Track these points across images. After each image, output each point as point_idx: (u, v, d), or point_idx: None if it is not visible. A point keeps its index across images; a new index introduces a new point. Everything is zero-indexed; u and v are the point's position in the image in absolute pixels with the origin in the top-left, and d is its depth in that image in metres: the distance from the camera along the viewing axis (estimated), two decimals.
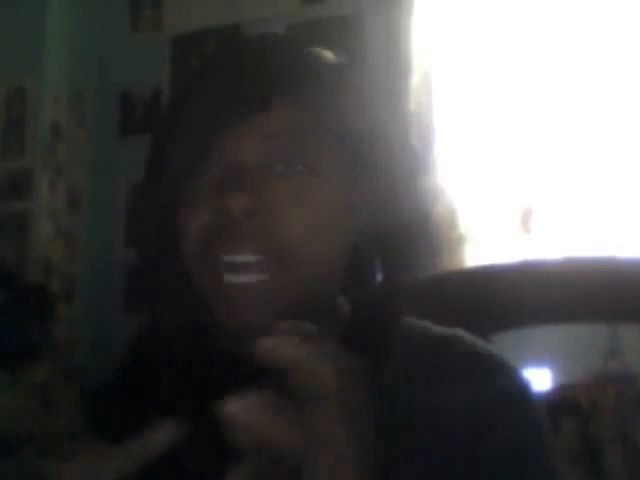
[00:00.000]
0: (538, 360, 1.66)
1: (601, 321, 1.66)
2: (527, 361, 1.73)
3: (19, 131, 2.36)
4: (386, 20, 2.16)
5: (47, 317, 2.12)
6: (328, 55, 0.77)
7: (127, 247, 2.35)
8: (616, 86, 1.96)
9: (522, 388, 0.75)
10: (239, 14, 2.31)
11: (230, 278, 0.70)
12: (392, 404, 0.71)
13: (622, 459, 1.60)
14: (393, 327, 0.75)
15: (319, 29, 2.23)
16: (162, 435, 0.63)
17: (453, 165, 2.04)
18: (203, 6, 2.37)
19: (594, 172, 1.94)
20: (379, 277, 0.76)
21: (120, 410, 0.75)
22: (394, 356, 0.73)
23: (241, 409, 0.60)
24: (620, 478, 1.59)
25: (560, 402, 1.64)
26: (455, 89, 2.10)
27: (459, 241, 1.99)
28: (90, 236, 2.38)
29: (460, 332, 0.77)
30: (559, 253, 1.84)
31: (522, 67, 2.05)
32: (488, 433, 0.71)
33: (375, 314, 0.75)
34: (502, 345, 1.70)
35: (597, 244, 1.88)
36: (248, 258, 0.70)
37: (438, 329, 0.78)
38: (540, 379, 1.69)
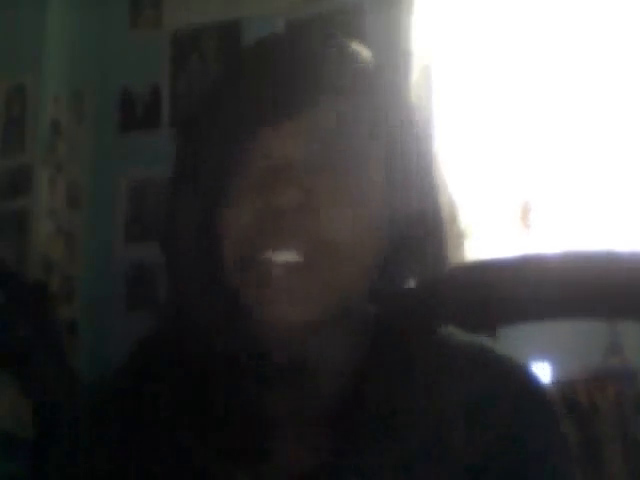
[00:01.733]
0: (537, 356, 1.64)
1: (601, 317, 1.64)
2: (526, 357, 1.71)
3: (19, 130, 2.36)
4: (386, 16, 2.15)
5: (47, 317, 2.12)
6: (366, 53, 0.78)
7: (127, 245, 2.35)
8: (616, 82, 1.95)
9: (545, 399, 0.78)
10: (239, 11, 2.31)
11: (271, 278, 0.70)
12: (410, 407, 0.72)
13: (622, 458, 1.58)
14: (422, 332, 0.77)
15: (319, 25, 2.22)
16: None
17: (453, 160, 2.03)
18: (203, 4, 2.37)
19: (593, 167, 1.93)
20: (406, 278, 0.77)
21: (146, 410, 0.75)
22: (422, 362, 0.75)
23: None
24: (620, 477, 1.57)
25: (560, 401, 1.62)
26: (455, 85, 2.09)
27: (458, 237, 1.97)
28: (90, 235, 2.38)
29: (489, 343, 0.79)
30: (558, 248, 1.83)
31: (522, 63, 2.04)
32: (516, 445, 0.73)
33: (405, 319, 0.76)
34: (501, 341, 1.69)
35: (596, 239, 1.87)
36: (292, 256, 0.70)
37: (467, 338, 0.79)
38: (539, 375, 1.66)
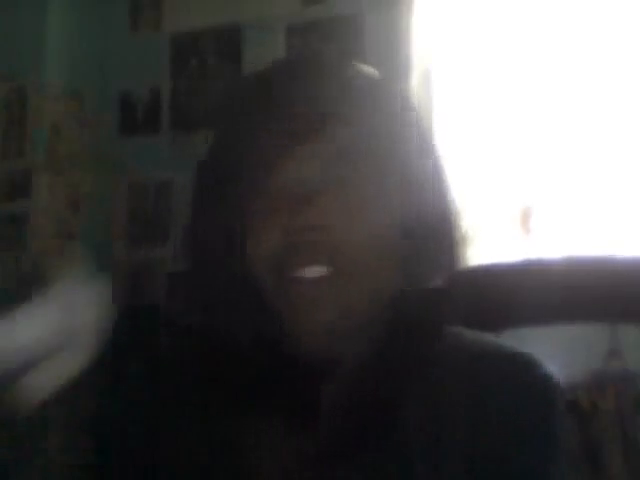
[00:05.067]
0: None
1: (601, 321, 1.66)
2: None
3: (19, 131, 2.36)
4: (386, 20, 2.16)
5: None
6: (372, 72, 0.83)
7: (127, 247, 2.36)
8: (616, 86, 1.96)
9: (558, 396, 0.82)
10: (239, 14, 2.31)
11: (301, 291, 0.75)
12: (432, 412, 0.76)
13: (622, 459, 1.60)
14: (436, 333, 0.80)
15: (319, 29, 2.23)
16: None
17: (453, 165, 2.04)
18: (203, 7, 2.37)
19: (594, 172, 1.94)
20: (424, 280, 0.81)
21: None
22: (435, 363, 0.78)
23: None
24: (620, 477, 1.59)
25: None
26: (455, 89, 2.10)
27: (462, 241, 1.98)
28: (90, 237, 2.38)
29: (501, 341, 0.83)
30: (559, 253, 1.84)
31: (522, 67, 2.05)
32: (527, 440, 0.76)
33: (420, 320, 0.80)
34: None
35: (597, 244, 1.88)
36: (318, 271, 0.75)
37: (478, 336, 0.82)
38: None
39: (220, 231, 0.79)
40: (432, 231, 0.80)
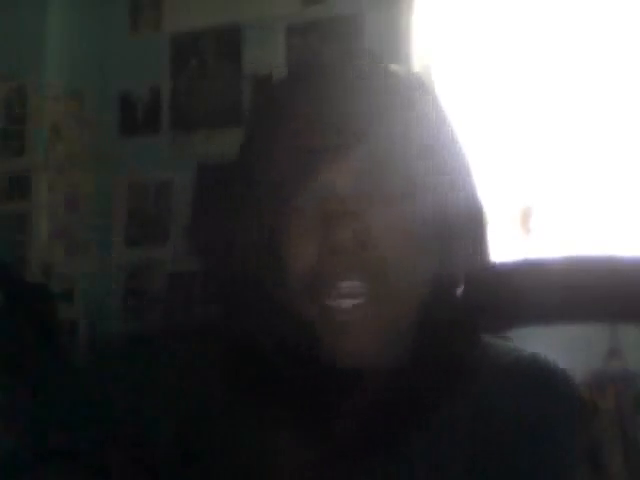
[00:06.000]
0: None
1: (601, 321, 1.66)
2: None
3: (19, 131, 2.36)
4: (386, 20, 2.16)
5: (47, 317, 2.13)
6: (408, 79, 0.80)
7: (127, 247, 2.36)
8: (617, 86, 1.96)
9: (579, 404, 0.80)
10: (239, 14, 2.31)
11: (338, 310, 0.73)
12: (462, 422, 0.75)
13: (622, 459, 1.60)
14: (469, 344, 0.79)
15: (319, 29, 2.23)
16: None
17: None
18: (203, 6, 2.37)
19: (594, 172, 1.95)
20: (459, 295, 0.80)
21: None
22: (467, 373, 0.77)
23: None
24: (620, 478, 1.59)
25: None
26: (455, 88, 2.10)
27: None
28: (90, 236, 2.38)
29: (539, 357, 0.81)
30: (559, 252, 1.84)
31: (522, 66, 2.05)
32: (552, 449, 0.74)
33: (453, 331, 0.78)
34: None
35: (597, 243, 1.89)
36: (356, 289, 0.73)
37: (516, 351, 0.80)
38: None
39: (252, 247, 0.77)
40: (463, 232, 0.79)
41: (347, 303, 0.73)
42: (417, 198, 0.76)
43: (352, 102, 0.75)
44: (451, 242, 0.78)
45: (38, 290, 2.17)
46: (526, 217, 1.96)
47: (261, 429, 0.77)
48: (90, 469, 0.79)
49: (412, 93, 0.79)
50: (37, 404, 0.92)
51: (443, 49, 2.14)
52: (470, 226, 0.79)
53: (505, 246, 1.96)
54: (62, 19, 2.40)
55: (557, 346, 1.73)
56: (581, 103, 1.99)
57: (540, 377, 0.78)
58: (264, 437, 0.77)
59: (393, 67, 0.80)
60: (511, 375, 0.77)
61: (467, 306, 0.80)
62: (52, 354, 2.03)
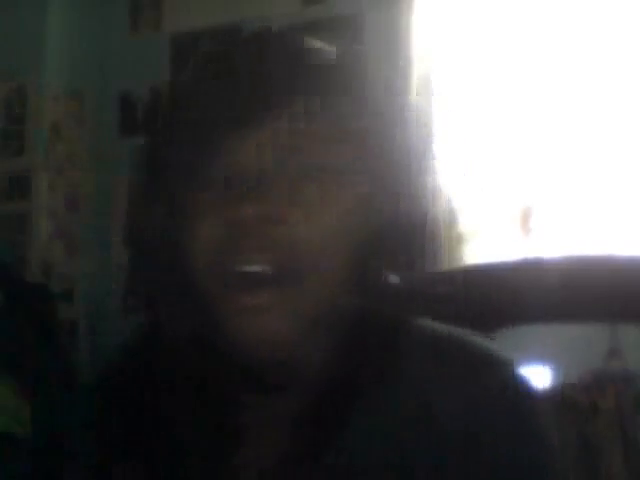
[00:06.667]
0: (538, 359, 1.65)
1: (601, 321, 1.66)
2: (527, 360, 1.72)
3: (19, 131, 2.36)
4: (386, 20, 2.16)
5: (47, 317, 2.13)
6: (332, 52, 0.75)
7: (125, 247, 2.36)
8: (616, 86, 1.96)
9: (525, 396, 0.74)
10: (239, 14, 2.30)
11: (244, 292, 0.68)
12: (393, 404, 0.71)
13: (622, 459, 1.60)
14: (397, 328, 0.75)
15: (319, 29, 2.22)
16: None
17: (453, 165, 2.04)
18: (203, 6, 2.37)
19: (594, 171, 1.94)
20: (383, 277, 0.75)
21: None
22: (397, 357, 0.73)
23: None
24: (620, 478, 1.59)
25: (560, 402, 1.64)
26: (455, 89, 2.10)
27: (458, 240, 1.99)
28: (90, 236, 2.38)
29: (465, 334, 0.77)
30: (559, 252, 1.84)
31: (522, 67, 2.05)
32: (489, 440, 0.70)
33: (381, 315, 0.74)
34: (501, 344, 1.70)
35: (597, 243, 1.88)
36: (263, 269, 0.68)
37: (444, 330, 0.76)
38: (540, 378, 1.68)
39: (160, 222, 0.72)
40: (388, 218, 0.73)
41: (253, 287, 0.68)
42: (344, 182, 0.71)
43: (260, 79, 0.70)
44: (376, 227, 0.73)
45: (38, 290, 2.16)
46: (526, 217, 1.96)
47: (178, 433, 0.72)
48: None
49: (332, 73, 0.74)
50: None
51: (443, 49, 2.14)
52: (395, 213, 0.74)
53: (505, 246, 1.97)
54: (62, 19, 2.40)
55: (557, 346, 1.74)
56: (581, 103, 1.99)
57: (469, 362, 0.73)
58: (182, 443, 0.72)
59: (315, 45, 0.75)
60: (439, 359, 0.73)
61: (392, 290, 0.75)
62: (52, 354, 2.02)
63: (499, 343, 1.66)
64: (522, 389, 0.75)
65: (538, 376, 1.69)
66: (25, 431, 1.90)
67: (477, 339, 0.77)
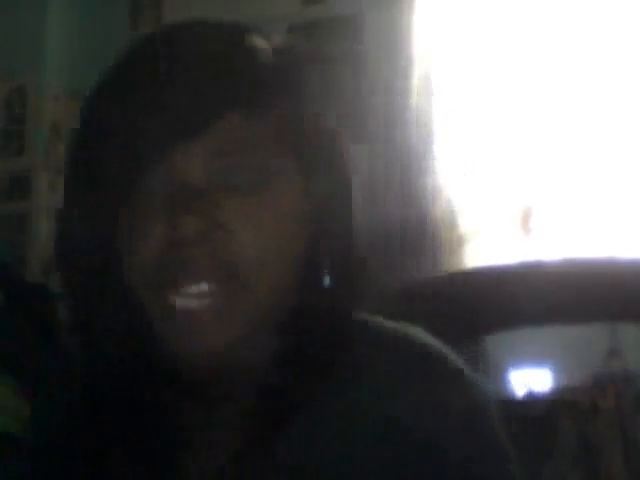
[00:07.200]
0: (538, 361, 1.66)
1: (601, 321, 1.66)
2: (527, 362, 1.73)
3: (19, 131, 2.36)
4: (386, 20, 2.16)
5: (47, 317, 2.13)
6: (269, 55, 0.73)
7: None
8: (616, 86, 1.96)
9: (472, 395, 0.72)
10: (239, 14, 2.30)
11: (182, 306, 0.67)
12: (339, 405, 0.70)
13: (622, 459, 1.60)
14: (340, 327, 0.73)
15: (319, 29, 2.23)
16: None
17: (453, 165, 2.04)
18: (203, 6, 2.36)
19: (594, 172, 1.95)
20: (327, 281, 0.73)
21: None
22: (341, 356, 0.72)
23: None
24: (620, 478, 1.59)
25: (560, 402, 1.64)
26: (455, 89, 2.10)
27: (459, 242, 1.99)
28: None
29: (414, 331, 0.74)
30: (559, 253, 1.85)
31: (522, 67, 2.05)
32: (436, 437, 0.69)
33: (323, 315, 0.73)
34: (501, 346, 1.71)
35: (597, 244, 1.89)
36: (201, 287, 0.66)
37: (390, 327, 0.75)
38: (540, 380, 1.69)
39: (90, 239, 0.70)
40: (329, 221, 0.72)
41: (192, 302, 0.66)
42: (277, 187, 0.69)
43: (206, 84, 0.67)
44: (317, 232, 0.72)
45: (38, 290, 2.17)
46: (526, 217, 1.96)
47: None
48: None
49: (277, 76, 0.71)
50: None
51: (443, 49, 2.14)
52: (337, 215, 0.73)
53: (505, 246, 1.97)
54: (62, 19, 2.40)
55: (557, 346, 1.74)
56: (581, 103, 1.99)
57: (412, 357, 0.72)
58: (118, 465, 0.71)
59: (260, 45, 0.73)
60: (383, 355, 0.72)
61: (337, 292, 0.73)
62: (52, 354, 2.03)
63: (499, 345, 1.66)
64: (472, 394, 0.73)
65: (538, 377, 1.70)
66: (25, 431, 1.90)
67: (420, 333, 0.74)
